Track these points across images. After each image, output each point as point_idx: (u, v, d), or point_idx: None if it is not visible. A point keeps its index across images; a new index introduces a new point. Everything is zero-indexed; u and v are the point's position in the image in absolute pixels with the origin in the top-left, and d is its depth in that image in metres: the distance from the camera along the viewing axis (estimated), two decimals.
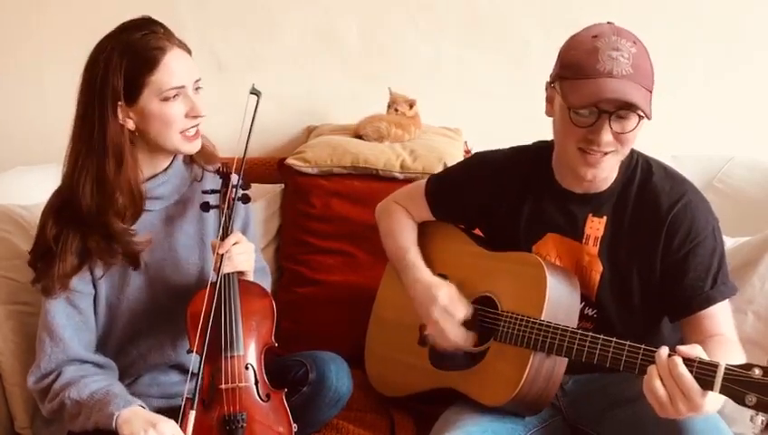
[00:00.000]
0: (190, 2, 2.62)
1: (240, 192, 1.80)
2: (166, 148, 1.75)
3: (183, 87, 1.70)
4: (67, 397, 1.67)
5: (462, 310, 1.78)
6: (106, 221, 1.71)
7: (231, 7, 2.64)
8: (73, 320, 1.75)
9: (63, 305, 1.74)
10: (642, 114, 1.57)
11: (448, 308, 1.78)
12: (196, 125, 1.74)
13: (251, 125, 1.75)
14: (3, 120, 2.69)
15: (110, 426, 1.59)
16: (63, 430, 1.79)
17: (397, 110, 2.50)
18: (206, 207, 1.80)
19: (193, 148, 1.77)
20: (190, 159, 1.86)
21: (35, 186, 2.21)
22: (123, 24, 1.72)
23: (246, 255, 1.77)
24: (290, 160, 2.43)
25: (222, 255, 1.71)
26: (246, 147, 1.76)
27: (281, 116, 2.67)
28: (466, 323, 1.79)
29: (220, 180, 1.82)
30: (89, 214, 1.70)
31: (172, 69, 1.69)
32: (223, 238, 1.73)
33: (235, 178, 1.79)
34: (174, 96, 1.69)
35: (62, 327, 1.73)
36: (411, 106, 2.51)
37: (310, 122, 2.68)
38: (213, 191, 1.81)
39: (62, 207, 1.74)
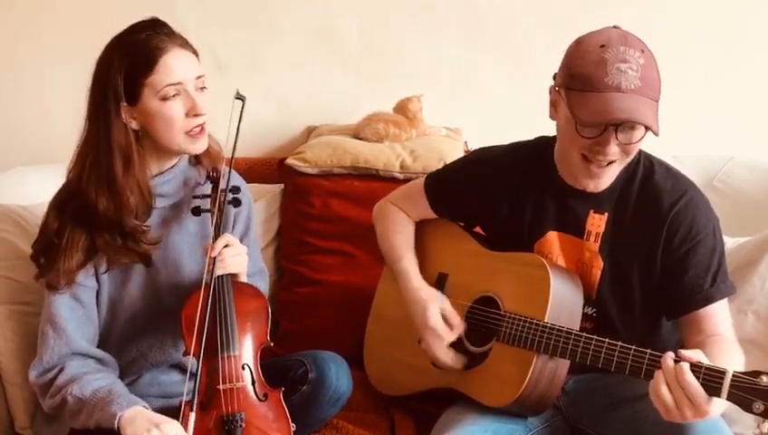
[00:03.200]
0: (190, 2, 2.62)
1: (230, 196, 1.80)
2: (171, 148, 1.75)
3: (181, 84, 1.70)
4: (69, 394, 1.67)
5: (450, 334, 1.79)
6: (121, 220, 1.72)
7: (231, 7, 2.64)
8: (76, 313, 1.76)
9: (67, 298, 1.75)
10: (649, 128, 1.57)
11: (438, 330, 1.79)
12: (201, 123, 1.74)
13: (237, 130, 1.75)
14: (3, 120, 2.69)
15: (112, 425, 1.59)
16: (64, 430, 1.79)
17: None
18: (196, 211, 1.81)
19: (199, 147, 1.76)
20: (196, 160, 1.86)
21: (35, 186, 2.21)
22: (131, 25, 1.73)
23: (239, 257, 1.77)
24: (290, 160, 2.43)
25: (214, 259, 1.70)
26: (234, 151, 1.76)
27: (281, 116, 2.68)
28: (458, 344, 1.80)
29: (210, 184, 1.82)
30: (105, 215, 1.71)
31: (170, 68, 1.69)
32: (213, 242, 1.73)
33: (224, 182, 1.79)
34: (173, 95, 1.69)
35: (66, 320, 1.74)
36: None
37: (310, 122, 2.68)
38: (203, 196, 1.81)
39: (66, 203, 1.75)
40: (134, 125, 1.72)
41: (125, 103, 1.69)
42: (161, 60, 1.68)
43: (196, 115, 1.72)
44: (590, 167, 1.64)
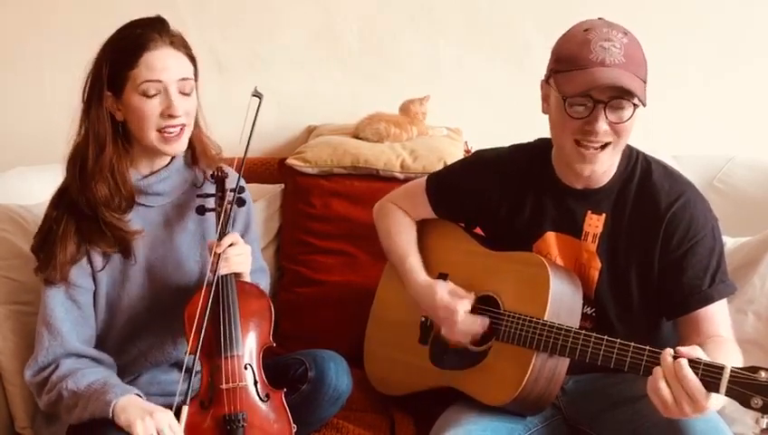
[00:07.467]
0: (190, 2, 2.62)
1: (237, 195, 1.79)
2: (144, 143, 1.75)
3: (160, 82, 1.70)
4: (64, 388, 1.67)
5: (465, 303, 1.78)
6: (95, 207, 1.72)
7: (231, 7, 2.64)
8: (72, 314, 1.76)
9: (63, 299, 1.75)
10: (637, 103, 1.58)
11: (451, 304, 1.78)
12: (176, 126, 1.73)
13: (252, 128, 1.75)
14: (3, 120, 2.69)
15: (106, 414, 1.59)
16: (63, 430, 1.79)
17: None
18: (201, 210, 1.81)
19: (172, 149, 1.76)
20: (192, 161, 1.86)
21: (35, 186, 2.21)
22: (134, 19, 1.74)
23: (243, 256, 1.77)
24: (290, 160, 2.43)
25: (219, 256, 1.71)
26: (246, 150, 1.75)
27: (281, 116, 2.67)
28: (473, 312, 1.79)
29: (214, 183, 1.82)
30: (76, 197, 1.73)
31: (151, 65, 1.69)
32: (219, 240, 1.73)
33: (230, 182, 1.78)
34: (153, 93, 1.70)
35: (61, 321, 1.74)
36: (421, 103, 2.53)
37: (310, 122, 2.68)
38: (208, 195, 1.81)
39: (63, 192, 1.77)
40: (119, 116, 1.73)
41: (109, 93, 1.71)
42: (144, 55, 1.69)
43: (170, 116, 1.71)
44: (584, 152, 1.64)
